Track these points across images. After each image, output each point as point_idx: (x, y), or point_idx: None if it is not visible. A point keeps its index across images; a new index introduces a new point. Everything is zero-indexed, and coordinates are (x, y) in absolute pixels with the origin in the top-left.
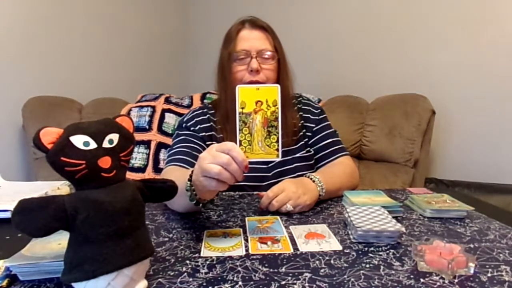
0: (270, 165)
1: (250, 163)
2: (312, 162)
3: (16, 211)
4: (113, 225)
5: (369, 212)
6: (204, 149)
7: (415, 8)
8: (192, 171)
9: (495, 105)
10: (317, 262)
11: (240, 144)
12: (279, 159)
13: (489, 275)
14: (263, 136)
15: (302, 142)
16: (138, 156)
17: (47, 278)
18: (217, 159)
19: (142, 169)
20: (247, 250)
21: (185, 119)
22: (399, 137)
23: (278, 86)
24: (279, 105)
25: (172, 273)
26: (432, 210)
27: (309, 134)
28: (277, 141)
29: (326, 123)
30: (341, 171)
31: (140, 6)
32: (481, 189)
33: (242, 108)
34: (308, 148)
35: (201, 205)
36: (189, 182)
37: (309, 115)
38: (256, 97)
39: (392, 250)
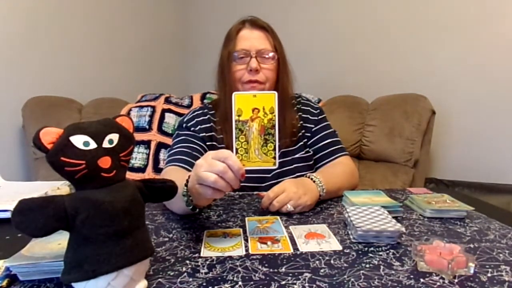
0: None
1: (248, 169)
2: (311, 163)
3: (16, 211)
4: (113, 225)
5: (369, 212)
6: (204, 149)
7: (415, 8)
8: (189, 176)
9: (495, 105)
10: (317, 262)
11: (237, 152)
12: (276, 167)
13: (489, 275)
14: (260, 144)
15: (302, 143)
16: (138, 156)
17: (47, 278)
18: (213, 167)
19: (142, 169)
20: (247, 250)
21: (185, 119)
22: (399, 137)
23: (275, 93)
24: (276, 113)
25: (172, 273)
26: (432, 210)
27: (308, 134)
28: (274, 149)
29: (325, 123)
30: (341, 171)
31: (140, 6)
32: (481, 189)
33: (239, 115)
34: (308, 149)
35: (197, 210)
36: (185, 188)
37: (308, 116)
38: (252, 105)
39: (392, 250)
